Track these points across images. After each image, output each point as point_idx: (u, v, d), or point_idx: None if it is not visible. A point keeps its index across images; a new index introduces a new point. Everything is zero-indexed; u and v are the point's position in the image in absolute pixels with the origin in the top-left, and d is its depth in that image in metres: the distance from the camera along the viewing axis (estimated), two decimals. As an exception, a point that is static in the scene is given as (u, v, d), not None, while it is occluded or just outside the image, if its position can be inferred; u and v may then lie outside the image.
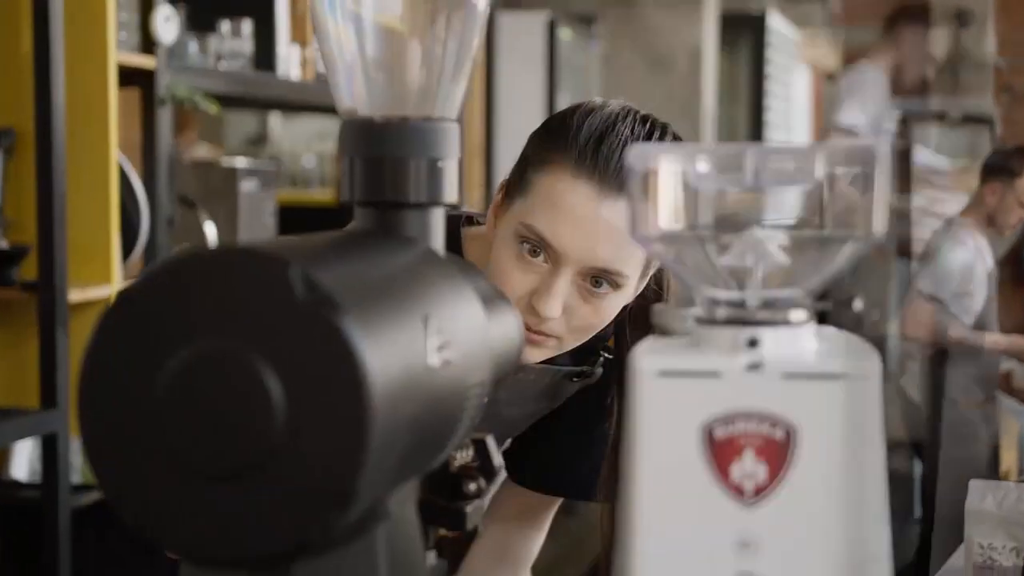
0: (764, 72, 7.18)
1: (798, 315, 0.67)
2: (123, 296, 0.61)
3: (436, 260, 0.74)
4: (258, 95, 3.49)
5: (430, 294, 0.69)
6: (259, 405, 0.58)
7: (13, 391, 2.62)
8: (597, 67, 5.91)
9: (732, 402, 0.65)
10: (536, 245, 1.27)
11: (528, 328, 1.27)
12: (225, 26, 3.26)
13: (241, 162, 3.42)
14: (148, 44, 2.81)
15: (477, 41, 0.79)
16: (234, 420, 0.58)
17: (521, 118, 4.51)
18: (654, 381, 0.65)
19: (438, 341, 0.66)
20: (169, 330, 0.60)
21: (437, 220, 0.77)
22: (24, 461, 2.95)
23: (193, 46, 3.15)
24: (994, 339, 4.64)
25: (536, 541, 1.59)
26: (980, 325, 4.46)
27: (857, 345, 0.68)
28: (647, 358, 0.66)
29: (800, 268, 0.67)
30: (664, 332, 0.74)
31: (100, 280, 2.62)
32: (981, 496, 1.75)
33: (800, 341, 0.66)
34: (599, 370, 1.44)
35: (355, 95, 0.77)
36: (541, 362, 1.37)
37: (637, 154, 0.67)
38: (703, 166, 0.66)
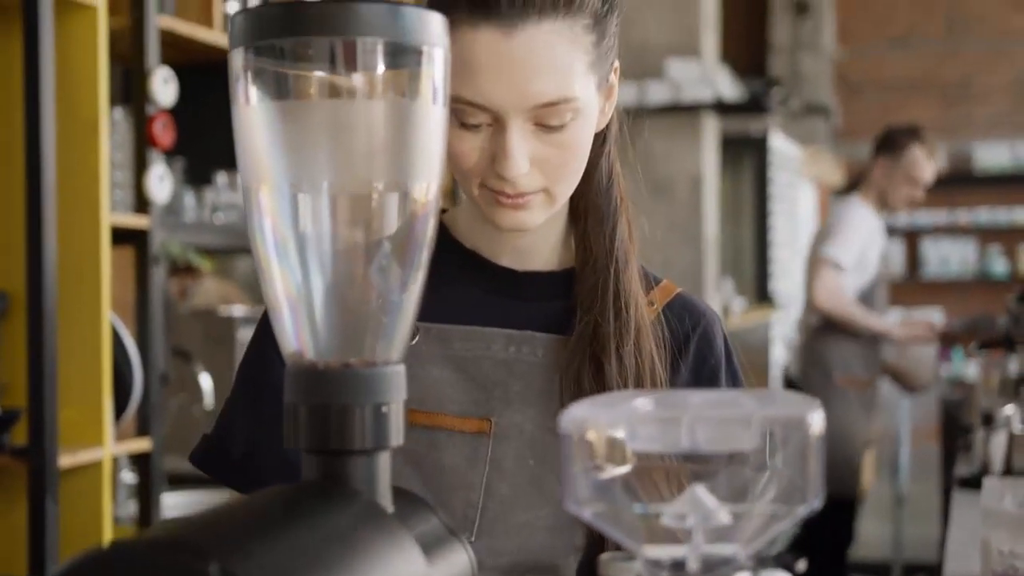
0: (767, 192, 7.21)
1: (741, 578, 0.65)
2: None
3: (376, 515, 0.72)
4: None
5: (366, 560, 0.67)
6: None
7: (2, 560, 2.58)
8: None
9: (673, 677, 0.63)
10: (468, 113, 1.18)
11: (506, 195, 1.21)
12: (221, 178, 3.28)
13: (239, 310, 3.43)
14: (142, 202, 2.81)
15: (421, 279, 0.78)
16: None
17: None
18: (593, 653, 0.63)
19: (373, 613, 0.65)
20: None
21: (383, 466, 0.76)
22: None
23: (190, 199, 3.17)
24: (891, 323, 4.71)
25: None
26: (867, 302, 4.53)
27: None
28: (586, 629, 0.64)
29: (742, 528, 0.66)
30: (611, 586, 0.72)
31: (92, 443, 2.60)
32: (998, 495, 1.51)
33: (743, 607, 0.65)
34: None
35: (300, 340, 0.76)
36: None
37: (571, 419, 0.66)
38: (639, 430, 0.65)
